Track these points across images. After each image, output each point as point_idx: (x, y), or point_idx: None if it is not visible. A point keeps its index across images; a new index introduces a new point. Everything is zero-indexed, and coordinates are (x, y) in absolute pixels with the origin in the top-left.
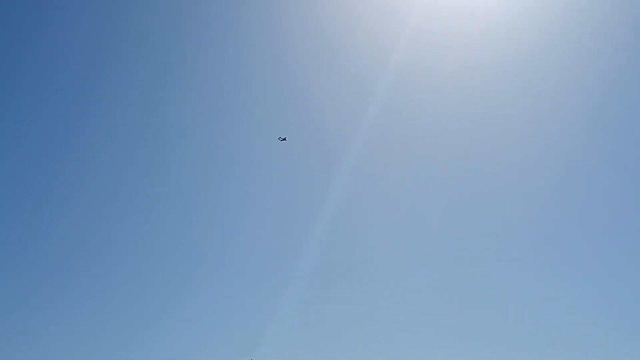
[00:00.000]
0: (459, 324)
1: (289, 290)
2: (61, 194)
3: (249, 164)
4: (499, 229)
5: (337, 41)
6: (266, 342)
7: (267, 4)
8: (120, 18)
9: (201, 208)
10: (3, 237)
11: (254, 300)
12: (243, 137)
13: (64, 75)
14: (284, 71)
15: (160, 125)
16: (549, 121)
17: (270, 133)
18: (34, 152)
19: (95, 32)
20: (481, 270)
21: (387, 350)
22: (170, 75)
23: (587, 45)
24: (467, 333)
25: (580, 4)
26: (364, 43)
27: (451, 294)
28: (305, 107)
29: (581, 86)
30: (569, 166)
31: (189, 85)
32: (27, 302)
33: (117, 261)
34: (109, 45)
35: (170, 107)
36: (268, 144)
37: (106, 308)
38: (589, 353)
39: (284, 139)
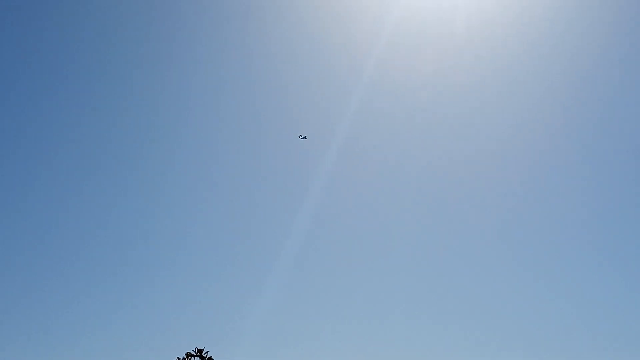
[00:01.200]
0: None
1: (268, 286)
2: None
3: (231, 163)
4: (473, 229)
5: (314, 44)
6: (244, 337)
7: (242, 7)
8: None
9: (201, 206)
10: None
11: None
12: (226, 138)
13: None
14: (260, 74)
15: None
16: (530, 123)
17: (248, 134)
18: None
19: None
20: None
21: (367, 349)
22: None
23: (568, 46)
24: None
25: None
26: (340, 46)
27: (427, 291)
28: (281, 110)
29: (564, 85)
30: (553, 168)
31: (160, 86)
32: None
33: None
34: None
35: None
36: (247, 145)
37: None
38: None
39: (304, 137)
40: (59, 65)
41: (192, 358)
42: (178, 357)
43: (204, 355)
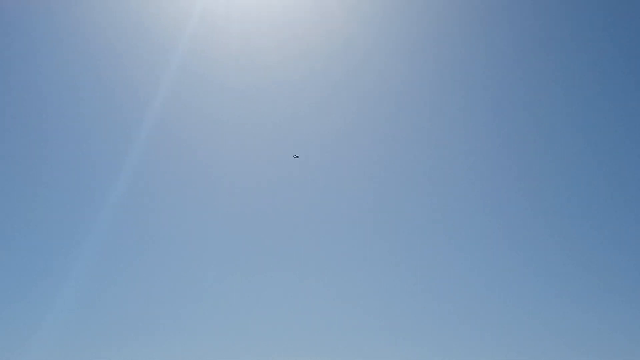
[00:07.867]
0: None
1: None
2: None
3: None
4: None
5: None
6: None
7: None
8: None
9: None
10: None
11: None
12: (26, 128)
13: None
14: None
15: None
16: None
17: (56, 125)
18: None
19: None
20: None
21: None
22: None
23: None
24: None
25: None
26: (147, 35)
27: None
28: (84, 102)
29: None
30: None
31: None
32: None
33: None
34: None
35: None
36: (51, 134)
37: None
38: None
39: (297, 157)
40: None
41: None
42: None
43: None
